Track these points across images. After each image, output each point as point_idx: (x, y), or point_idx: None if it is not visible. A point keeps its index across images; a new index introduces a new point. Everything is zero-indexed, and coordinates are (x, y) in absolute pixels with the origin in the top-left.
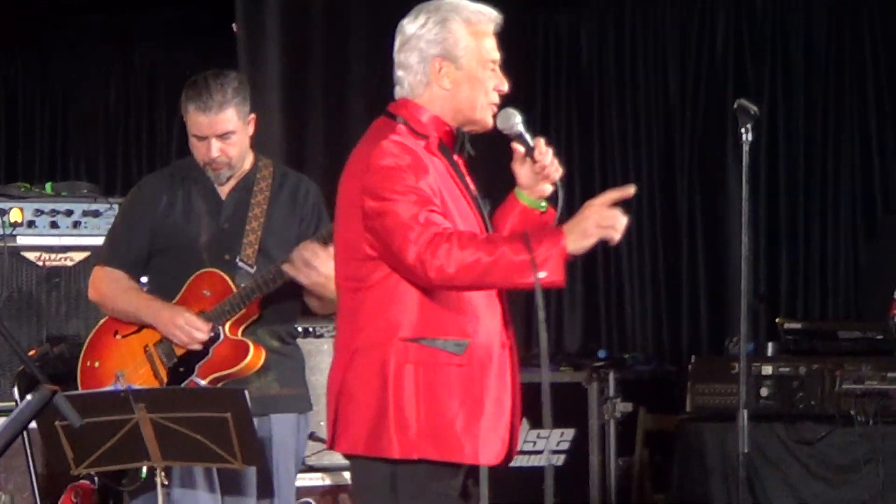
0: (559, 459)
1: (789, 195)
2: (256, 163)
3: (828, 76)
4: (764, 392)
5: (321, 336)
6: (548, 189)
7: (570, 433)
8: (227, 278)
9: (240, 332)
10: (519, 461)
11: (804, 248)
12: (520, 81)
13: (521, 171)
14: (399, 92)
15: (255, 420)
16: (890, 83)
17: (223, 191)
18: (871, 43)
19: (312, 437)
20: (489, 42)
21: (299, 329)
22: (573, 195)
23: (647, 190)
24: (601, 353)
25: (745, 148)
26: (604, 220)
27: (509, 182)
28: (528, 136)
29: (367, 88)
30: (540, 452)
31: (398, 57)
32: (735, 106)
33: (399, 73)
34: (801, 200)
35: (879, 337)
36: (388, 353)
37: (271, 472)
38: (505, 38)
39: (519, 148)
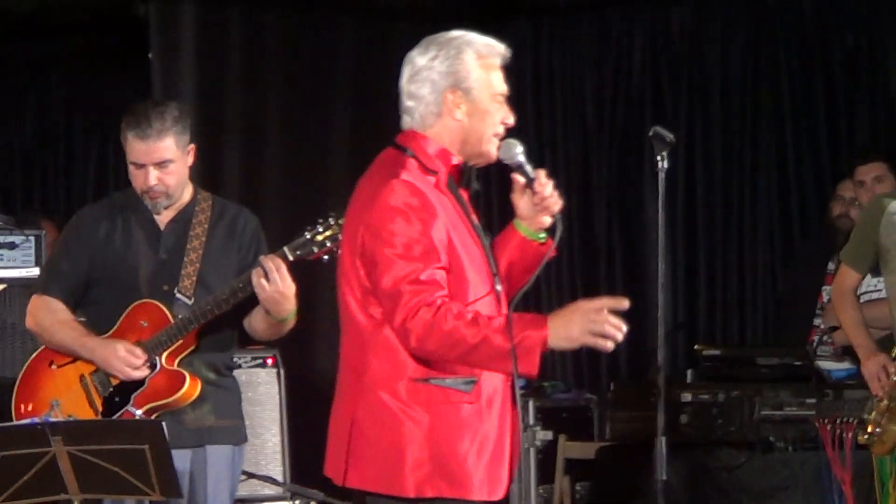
0: None
1: (707, 221)
2: (196, 195)
3: (744, 103)
4: (683, 419)
5: (239, 367)
6: (547, 220)
7: None
8: (164, 309)
9: (176, 362)
10: None
11: (722, 275)
12: None
13: (521, 202)
14: (408, 123)
15: (190, 451)
16: (806, 110)
17: (162, 222)
18: (787, 69)
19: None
20: (498, 75)
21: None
22: (491, 221)
23: (564, 216)
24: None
25: (661, 175)
26: (593, 326)
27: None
28: (528, 167)
29: (284, 118)
30: None
31: (408, 88)
32: (651, 133)
33: (409, 103)
34: (719, 226)
35: (798, 363)
36: (399, 393)
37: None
38: None
39: (519, 179)
